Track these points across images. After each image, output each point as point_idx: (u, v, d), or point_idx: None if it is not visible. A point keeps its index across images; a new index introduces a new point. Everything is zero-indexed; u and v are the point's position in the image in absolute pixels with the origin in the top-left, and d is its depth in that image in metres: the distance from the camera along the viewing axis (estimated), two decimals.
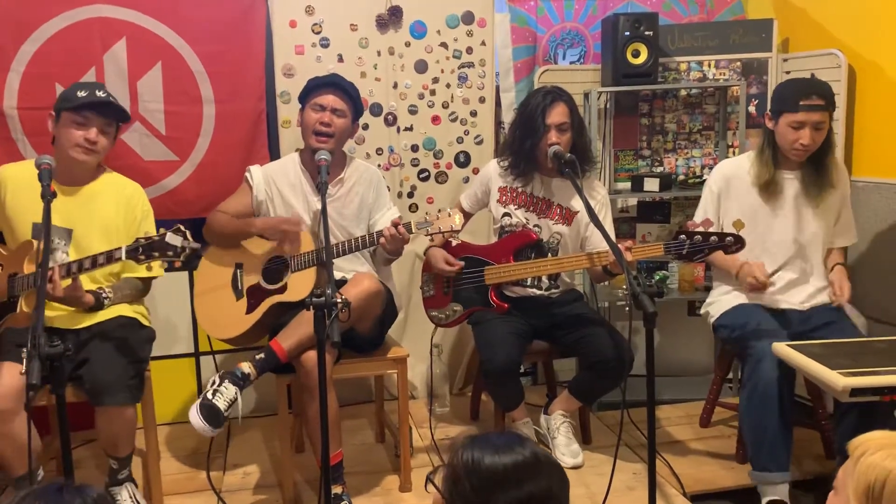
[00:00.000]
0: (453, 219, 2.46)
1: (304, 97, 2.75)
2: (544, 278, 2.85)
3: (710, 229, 2.46)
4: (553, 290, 2.89)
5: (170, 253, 2.22)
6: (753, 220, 2.72)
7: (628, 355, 2.63)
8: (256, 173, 2.82)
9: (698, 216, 2.82)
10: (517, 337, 2.75)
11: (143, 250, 2.22)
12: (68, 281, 2.27)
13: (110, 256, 2.25)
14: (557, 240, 2.85)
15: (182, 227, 2.24)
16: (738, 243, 2.43)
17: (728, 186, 2.77)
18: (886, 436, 1.32)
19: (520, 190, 2.87)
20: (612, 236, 2.63)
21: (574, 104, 2.79)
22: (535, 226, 2.86)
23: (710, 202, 2.81)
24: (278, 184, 2.79)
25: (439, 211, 2.49)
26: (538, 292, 2.87)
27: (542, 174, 2.85)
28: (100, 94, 2.44)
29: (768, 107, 2.74)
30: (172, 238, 2.20)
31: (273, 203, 2.79)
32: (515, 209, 2.88)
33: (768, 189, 2.69)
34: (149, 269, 2.35)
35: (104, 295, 2.42)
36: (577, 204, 2.80)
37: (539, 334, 2.87)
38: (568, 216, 2.84)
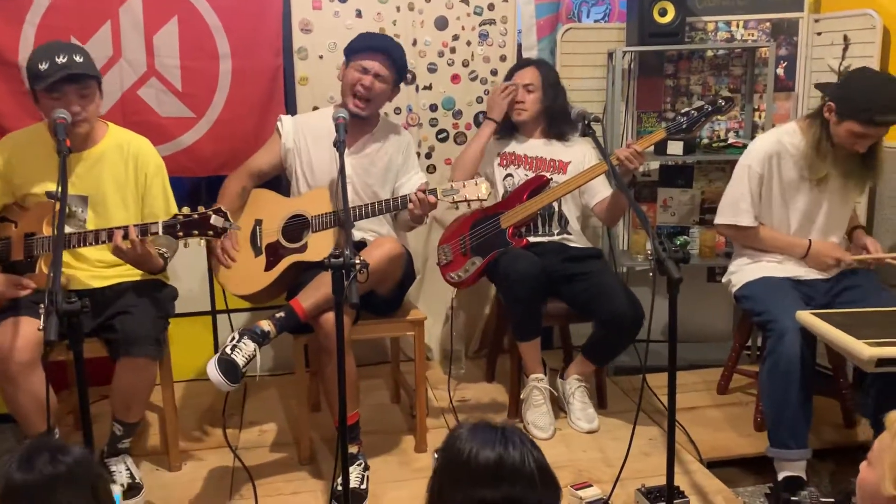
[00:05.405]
0: (480, 188, 2.46)
1: (350, 53, 2.69)
2: (555, 223, 2.96)
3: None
4: (567, 235, 2.96)
5: (210, 232, 2.21)
6: (791, 194, 2.68)
7: (641, 314, 2.66)
8: (287, 122, 2.79)
9: (734, 196, 2.76)
10: (539, 259, 2.76)
11: (181, 227, 2.21)
12: (127, 243, 2.23)
13: (145, 230, 2.23)
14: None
15: (223, 208, 2.23)
16: (729, 102, 2.67)
17: (770, 165, 2.68)
18: None
19: (515, 153, 3.05)
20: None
21: (549, 71, 3.03)
22: None
23: (752, 182, 2.70)
24: (308, 135, 2.75)
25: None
26: (551, 238, 2.94)
27: (527, 136, 3.07)
28: (60, 59, 2.21)
29: (830, 95, 2.55)
30: (216, 220, 2.20)
31: (300, 154, 2.75)
32: (515, 169, 3.03)
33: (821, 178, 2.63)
34: (185, 244, 2.33)
35: (163, 252, 2.41)
36: (566, 156, 3.01)
37: (555, 286, 2.82)
38: (562, 167, 3.00)
